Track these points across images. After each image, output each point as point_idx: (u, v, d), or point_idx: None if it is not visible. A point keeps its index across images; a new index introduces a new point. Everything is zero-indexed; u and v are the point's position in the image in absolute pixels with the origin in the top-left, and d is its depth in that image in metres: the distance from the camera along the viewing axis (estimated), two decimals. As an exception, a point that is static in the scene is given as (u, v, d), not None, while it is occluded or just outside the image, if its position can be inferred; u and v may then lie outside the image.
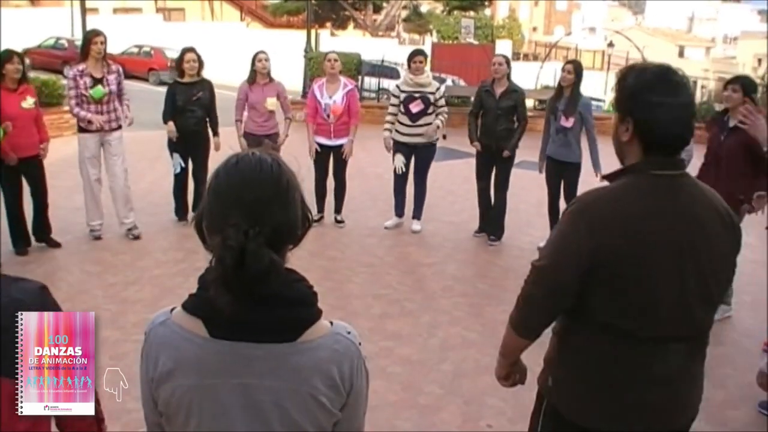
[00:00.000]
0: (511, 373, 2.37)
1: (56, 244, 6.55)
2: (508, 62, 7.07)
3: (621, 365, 2.05)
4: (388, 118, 7.39)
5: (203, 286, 1.39)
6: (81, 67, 6.45)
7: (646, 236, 1.96)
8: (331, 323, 1.47)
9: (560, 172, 6.93)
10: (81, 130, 6.57)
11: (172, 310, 1.46)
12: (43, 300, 1.65)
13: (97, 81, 6.44)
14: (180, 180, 7.39)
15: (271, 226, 1.34)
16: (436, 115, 7.24)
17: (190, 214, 7.47)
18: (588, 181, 6.37)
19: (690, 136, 2.02)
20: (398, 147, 7.36)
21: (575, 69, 6.77)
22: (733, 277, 2.19)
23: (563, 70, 6.86)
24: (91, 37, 6.51)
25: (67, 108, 11.64)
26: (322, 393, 1.40)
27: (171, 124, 7.11)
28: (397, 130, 7.32)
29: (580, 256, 1.98)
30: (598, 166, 6.63)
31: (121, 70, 6.81)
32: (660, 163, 2.01)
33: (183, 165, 7.30)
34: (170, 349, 1.40)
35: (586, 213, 2.04)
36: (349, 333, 1.47)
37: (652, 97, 1.97)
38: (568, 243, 2.03)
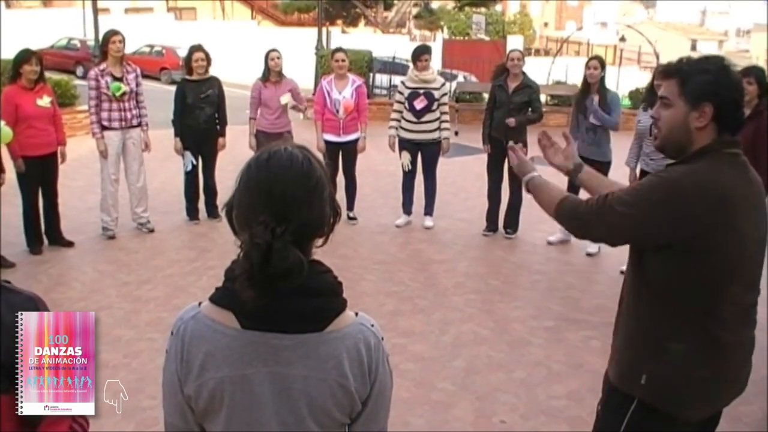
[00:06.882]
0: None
1: (68, 244, 6.58)
2: (523, 58, 7.07)
3: (717, 343, 2.13)
4: (394, 116, 7.40)
5: (230, 278, 1.42)
6: (102, 66, 6.60)
7: (738, 206, 2.06)
8: (356, 314, 1.50)
9: None
10: (103, 128, 6.64)
11: (199, 304, 1.49)
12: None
13: (117, 80, 6.55)
14: (191, 177, 7.42)
15: (298, 223, 1.37)
16: (441, 123, 7.23)
17: (202, 215, 7.53)
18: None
19: None
20: (404, 144, 7.38)
21: (601, 64, 6.73)
22: None
23: (588, 66, 6.72)
24: (109, 36, 6.61)
25: (80, 108, 11.84)
26: (349, 381, 1.43)
27: (178, 140, 7.26)
28: (402, 127, 7.33)
29: (670, 225, 2.03)
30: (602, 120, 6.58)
31: (139, 71, 6.90)
32: (730, 143, 2.13)
33: (194, 162, 7.35)
34: (203, 342, 1.43)
35: (680, 184, 2.06)
36: (372, 326, 1.50)
37: (732, 80, 2.12)
38: (659, 210, 2.05)
